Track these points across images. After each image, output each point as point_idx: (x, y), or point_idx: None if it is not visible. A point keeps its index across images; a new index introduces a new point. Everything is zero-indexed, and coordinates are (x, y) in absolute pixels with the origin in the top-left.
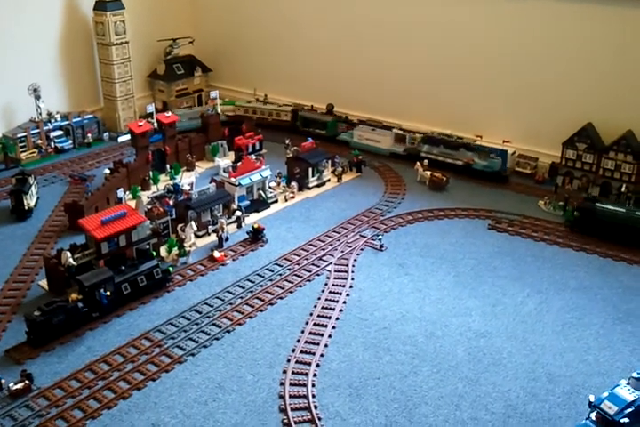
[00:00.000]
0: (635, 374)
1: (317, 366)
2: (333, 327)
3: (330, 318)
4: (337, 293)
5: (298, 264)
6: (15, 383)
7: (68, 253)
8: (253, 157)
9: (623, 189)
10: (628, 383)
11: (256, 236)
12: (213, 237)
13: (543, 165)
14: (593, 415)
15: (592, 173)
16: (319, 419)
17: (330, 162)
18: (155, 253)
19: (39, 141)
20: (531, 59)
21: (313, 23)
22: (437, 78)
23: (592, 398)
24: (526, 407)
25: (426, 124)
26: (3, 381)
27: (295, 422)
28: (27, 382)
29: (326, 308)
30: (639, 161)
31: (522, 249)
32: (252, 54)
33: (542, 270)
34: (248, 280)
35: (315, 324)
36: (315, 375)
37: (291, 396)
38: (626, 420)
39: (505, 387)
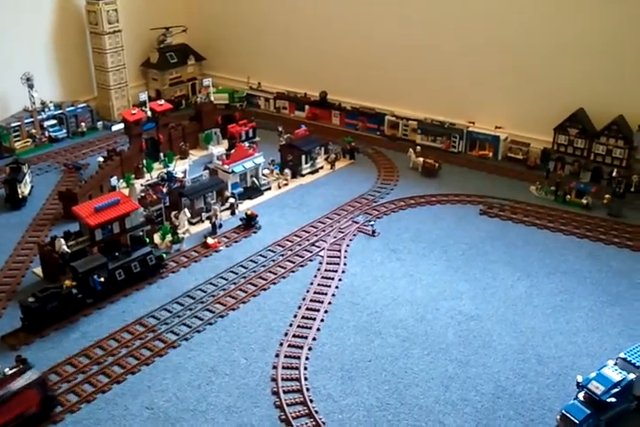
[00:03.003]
0: (622, 355)
1: (309, 349)
2: (325, 312)
3: (322, 302)
4: (329, 278)
5: (291, 250)
6: (10, 369)
7: (62, 241)
8: (247, 144)
9: (614, 174)
10: (616, 364)
11: (249, 222)
12: (207, 224)
13: (535, 150)
14: (581, 395)
15: (583, 158)
16: (311, 401)
17: (323, 149)
18: (148, 240)
19: (33, 131)
20: (523, 45)
21: (306, 11)
22: (430, 65)
23: (580, 379)
24: (515, 388)
25: (419, 111)
26: None
27: (287, 405)
28: (22, 367)
29: (319, 293)
30: (630, 146)
31: (513, 234)
32: (245, 43)
33: (533, 255)
34: (241, 266)
35: (307, 308)
36: (307, 359)
37: (283, 379)
38: (612, 399)
39: (495, 369)
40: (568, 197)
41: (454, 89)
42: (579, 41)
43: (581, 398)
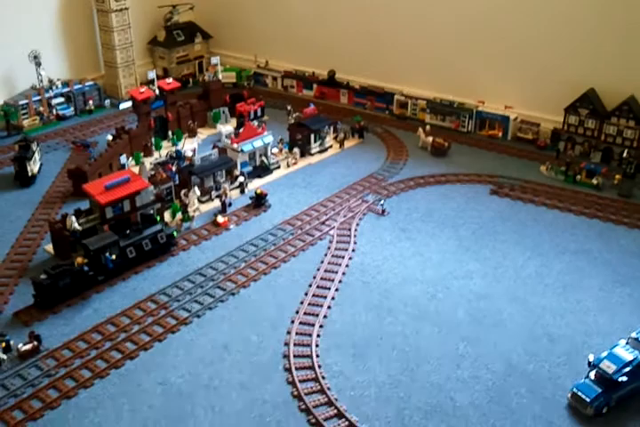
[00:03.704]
0: (634, 335)
1: (321, 326)
2: (336, 290)
3: (333, 280)
4: (340, 256)
5: (301, 229)
6: (24, 344)
7: (73, 218)
8: (255, 123)
9: (625, 155)
10: (627, 343)
11: (259, 201)
12: (217, 203)
13: (545, 130)
14: (592, 374)
15: (594, 139)
16: (323, 378)
17: (332, 128)
18: (159, 219)
19: (41, 108)
20: (533, 24)
21: None
22: (440, 44)
23: (591, 358)
24: (526, 367)
25: (428, 91)
26: (12, 342)
27: (299, 381)
28: (35, 343)
29: (329, 271)
30: None
31: (523, 213)
32: (252, 20)
33: (543, 234)
34: (251, 244)
35: (318, 286)
36: (318, 336)
37: (295, 356)
38: (624, 378)
39: (505, 347)
40: (578, 177)
41: (464, 68)
42: (591, 20)
43: (593, 377)
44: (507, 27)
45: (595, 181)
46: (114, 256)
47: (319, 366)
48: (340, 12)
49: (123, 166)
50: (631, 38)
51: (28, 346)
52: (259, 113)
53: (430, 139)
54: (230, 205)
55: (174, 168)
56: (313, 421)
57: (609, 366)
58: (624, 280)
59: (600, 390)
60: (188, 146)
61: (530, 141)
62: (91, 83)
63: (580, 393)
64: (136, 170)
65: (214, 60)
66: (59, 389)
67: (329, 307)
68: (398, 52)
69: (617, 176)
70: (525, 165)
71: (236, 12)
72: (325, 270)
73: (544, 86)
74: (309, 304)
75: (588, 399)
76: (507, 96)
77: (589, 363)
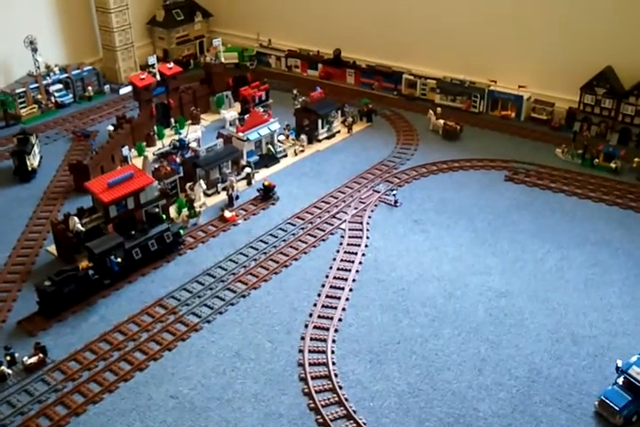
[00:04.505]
0: None
1: (336, 331)
2: (350, 290)
3: (346, 279)
4: (352, 253)
5: (311, 223)
6: (29, 357)
7: (76, 219)
8: (260, 109)
9: None
10: None
11: (267, 193)
12: (223, 196)
13: (560, 110)
14: (620, 381)
15: (611, 119)
16: (340, 388)
17: (339, 112)
18: (165, 217)
19: (39, 96)
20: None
21: None
22: (449, 20)
23: (620, 364)
24: (551, 371)
25: (437, 69)
26: (17, 355)
27: (316, 392)
28: (41, 355)
29: (342, 269)
30: None
31: (540, 202)
32: None
33: (561, 224)
34: (261, 241)
35: (331, 286)
36: (334, 341)
37: (310, 364)
38: None
39: (528, 350)
40: (596, 160)
41: (475, 45)
42: None
43: (621, 384)
44: (520, 2)
45: (613, 165)
46: (119, 259)
47: (336, 375)
48: None
49: (125, 159)
50: None
51: (34, 359)
52: (263, 97)
53: (441, 121)
54: (237, 198)
55: (178, 159)
56: None
57: (639, 373)
58: None
59: (630, 398)
60: (192, 134)
61: (544, 122)
62: (89, 67)
63: (608, 401)
64: (139, 162)
65: (216, 41)
66: (67, 405)
67: (343, 309)
68: (406, 29)
69: (636, 159)
70: (540, 148)
71: None
72: (338, 268)
73: (559, 64)
74: (323, 306)
75: (617, 408)
76: (520, 75)
77: (617, 369)
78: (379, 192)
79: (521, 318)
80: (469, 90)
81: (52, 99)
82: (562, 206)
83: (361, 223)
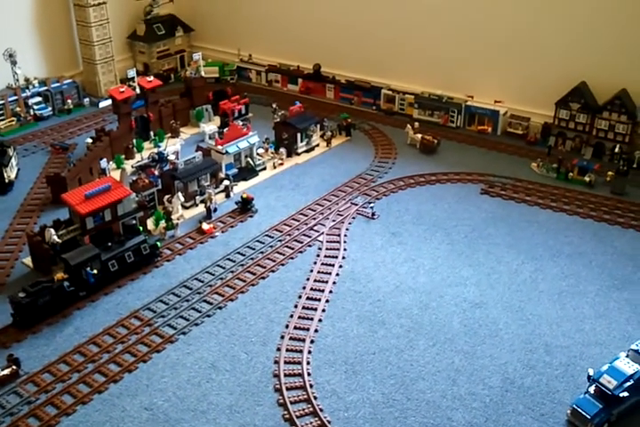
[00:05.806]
0: (634, 347)
1: (312, 342)
2: (327, 301)
3: (323, 291)
4: (329, 264)
5: (289, 235)
6: (2, 369)
7: (52, 231)
8: (240, 122)
9: (617, 150)
10: (627, 356)
11: (245, 206)
12: (201, 208)
13: (535, 125)
14: (592, 389)
15: (585, 134)
16: (315, 398)
17: (318, 126)
18: (142, 228)
19: (17, 109)
20: (523, 16)
21: None
22: (428, 36)
23: (591, 372)
24: (524, 381)
25: (416, 85)
26: None
27: (291, 403)
28: (14, 367)
29: (319, 280)
30: (633, 121)
31: (515, 214)
32: (235, 12)
33: (536, 236)
34: (238, 253)
35: (308, 298)
36: (309, 352)
37: (286, 375)
38: (625, 394)
39: (502, 360)
40: (570, 174)
41: (452, 61)
42: (581, 11)
43: (592, 392)
44: (495, 19)
45: (587, 179)
46: (95, 271)
47: (311, 386)
48: (325, 4)
49: (103, 171)
50: (624, 30)
51: (7, 371)
52: (243, 111)
53: (419, 136)
54: (215, 210)
55: (157, 172)
56: None
57: (609, 381)
58: (620, 284)
59: (601, 406)
60: (171, 147)
61: (520, 136)
62: (69, 80)
63: (580, 409)
64: (117, 174)
65: (196, 55)
66: (39, 417)
67: (320, 320)
68: (385, 45)
69: (609, 173)
70: (516, 162)
71: (218, 4)
72: (315, 280)
73: (534, 80)
74: (299, 317)
75: (588, 416)
76: (496, 90)
77: (589, 377)
78: (356, 205)
79: (495, 329)
80: (447, 105)
81: (31, 111)
82: (537, 219)
83: (339, 235)
